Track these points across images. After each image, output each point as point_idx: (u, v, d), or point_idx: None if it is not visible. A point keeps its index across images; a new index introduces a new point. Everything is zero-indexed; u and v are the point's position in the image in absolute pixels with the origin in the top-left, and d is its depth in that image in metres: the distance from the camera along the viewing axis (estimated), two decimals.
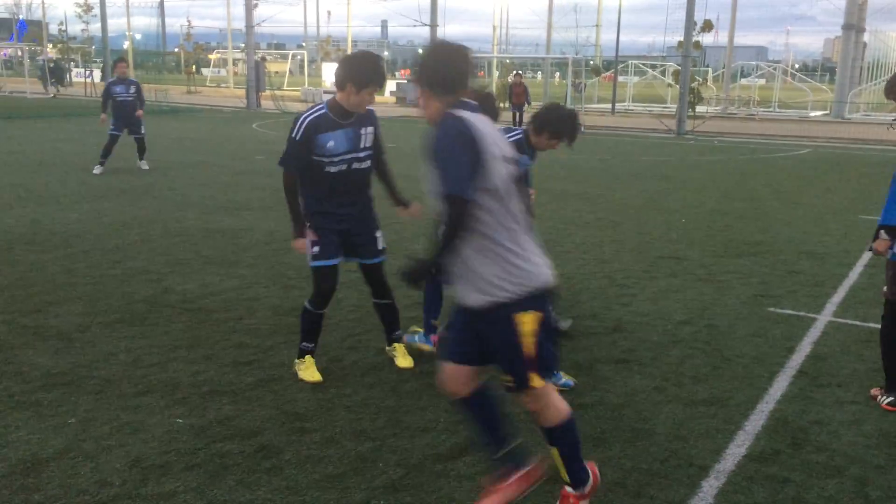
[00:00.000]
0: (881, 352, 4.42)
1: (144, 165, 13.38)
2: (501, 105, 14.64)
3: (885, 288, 4.35)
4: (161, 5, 43.68)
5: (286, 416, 4.02)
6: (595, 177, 14.04)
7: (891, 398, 4.28)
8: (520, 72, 27.08)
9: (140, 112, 13.01)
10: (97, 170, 12.73)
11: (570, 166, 14.94)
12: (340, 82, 4.22)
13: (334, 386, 4.44)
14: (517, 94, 23.20)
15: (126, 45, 60.59)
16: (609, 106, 35.80)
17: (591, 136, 23.15)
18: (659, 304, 6.17)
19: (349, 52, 55.42)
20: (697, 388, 4.51)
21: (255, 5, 34.36)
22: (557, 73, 34.50)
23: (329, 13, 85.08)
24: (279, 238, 8.22)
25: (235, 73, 55.66)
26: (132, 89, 12.94)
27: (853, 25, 32.24)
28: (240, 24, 38.99)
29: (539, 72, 56.80)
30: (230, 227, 8.72)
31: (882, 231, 4.20)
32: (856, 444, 3.85)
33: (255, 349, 4.97)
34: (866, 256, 7.89)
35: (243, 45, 35.97)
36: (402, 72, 66.83)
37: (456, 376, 3.05)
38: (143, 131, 13.21)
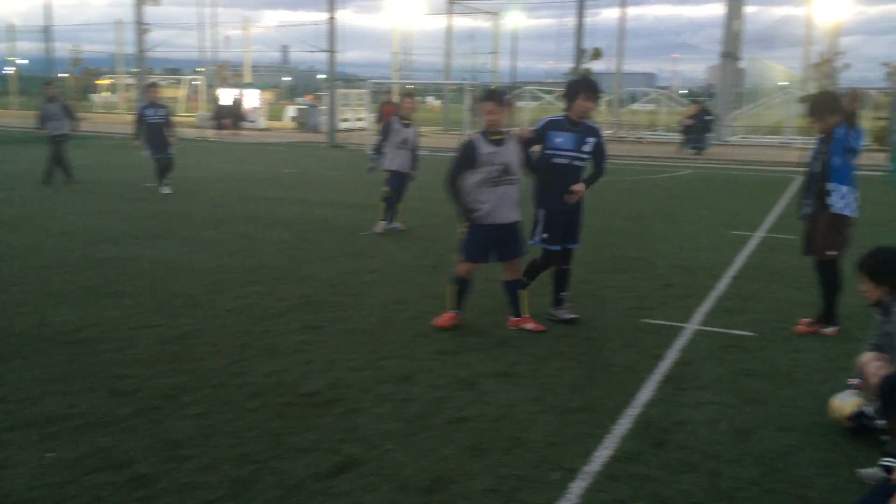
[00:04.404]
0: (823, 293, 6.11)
1: (167, 189, 13.56)
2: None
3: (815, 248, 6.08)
4: (47, 30, 41.80)
5: (164, 445, 3.97)
6: None
7: (832, 328, 6.04)
8: (389, 90, 27.83)
9: (171, 136, 13.64)
10: (167, 189, 13.47)
11: None
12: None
13: (217, 412, 4.41)
14: (386, 114, 23.41)
15: (10, 69, 57.60)
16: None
17: None
18: (543, 319, 6.42)
19: (248, 77, 54.49)
20: (573, 397, 4.74)
21: (147, 30, 33.54)
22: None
23: (227, 38, 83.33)
24: (167, 266, 8.07)
25: (127, 99, 53.87)
26: (161, 112, 13.58)
27: (730, 54, 34.41)
28: (133, 49, 37.89)
29: (439, 97, 57.81)
30: (115, 257, 8.47)
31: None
32: (711, 442, 4.15)
33: (135, 379, 4.87)
34: (734, 268, 8.46)
35: (136, 69, 35.01)
36: (306, 96, 66.33)
37: None
38: (171, 153, 13.76)
